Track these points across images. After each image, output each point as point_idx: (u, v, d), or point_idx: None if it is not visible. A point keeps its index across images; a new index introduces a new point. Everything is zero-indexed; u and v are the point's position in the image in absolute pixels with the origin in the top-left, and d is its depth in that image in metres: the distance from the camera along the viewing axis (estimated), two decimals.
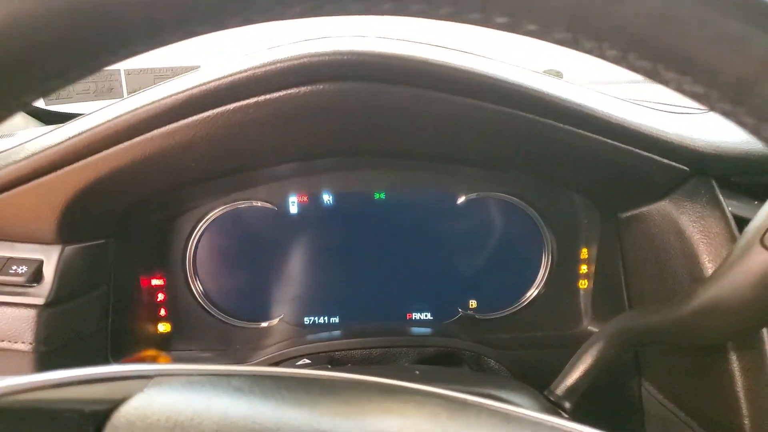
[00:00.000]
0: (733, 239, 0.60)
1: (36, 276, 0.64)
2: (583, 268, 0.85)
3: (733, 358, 0.58)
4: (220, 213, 0.81)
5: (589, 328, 0.84)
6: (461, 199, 0.83)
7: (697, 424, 0.64)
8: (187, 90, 0.55)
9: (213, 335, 0.83)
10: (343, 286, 0.85)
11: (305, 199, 0.82)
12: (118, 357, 0.75)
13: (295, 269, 0.84)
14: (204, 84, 0.55)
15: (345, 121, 0.61)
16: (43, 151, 0.59)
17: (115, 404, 0.28)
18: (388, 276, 0.85)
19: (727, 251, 0.59)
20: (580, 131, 0.61)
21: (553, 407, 0.58)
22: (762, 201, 0.52)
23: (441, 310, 0.86)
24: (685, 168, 0.64)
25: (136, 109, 0.56)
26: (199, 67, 1.24)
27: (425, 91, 0.57)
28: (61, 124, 0.64)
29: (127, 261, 0.75)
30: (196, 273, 0.82)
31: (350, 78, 0.55)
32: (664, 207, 0.66)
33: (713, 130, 0.66)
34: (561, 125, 0.60)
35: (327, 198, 0.82)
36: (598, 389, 0.59)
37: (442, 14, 0.24)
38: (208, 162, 0.63)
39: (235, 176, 0.76)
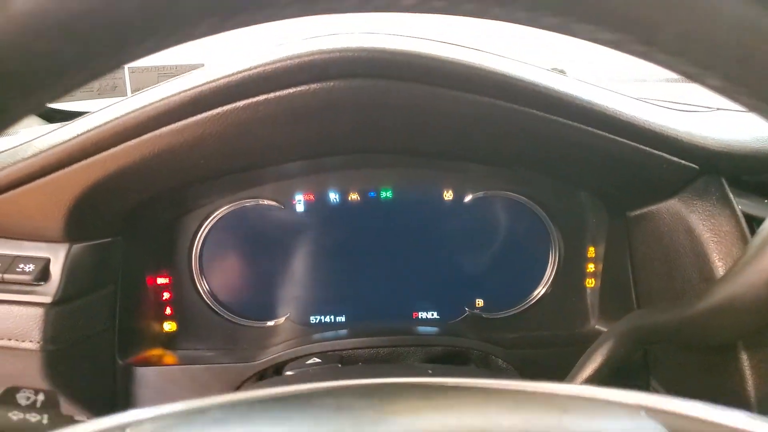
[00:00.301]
0: (744, 238, 0.60)
1: (43, 274, 0.64)
2: (590, 267, 0.85)
3: (744, 357, 0.58)
4: (227, 211, 0.81)
5: (596, 326, 0.84)
6: (468, 198, 0.83)
7: None
8: (197, 87, 0.55)
9: (219, 334, 0.83)
10: (349, 284, 0.84)
11: (312, 197, 0.82)
12: (124, 356, 0.75)
13: (302, 268, 0.83)
14: (214, 81, 0.54)
15: (355, 119, 0.61)
16: (50, 148, 0.59)
17: None
18: (395, 274, 0.85)
19: (738, 250, 0.59)
20: (590, 129, 0.61)
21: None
22: None
23: (448, 309, 0.86)
24: (694, 166, 0.64)
25: (145, 106, 0.56)
26: (203, 65, 1.24)
27: (435, 88, 0.57)
28: (66, 122, 0.63)
29: (134, 259, 0.75)
30: (202, 271, 0.82)
31: (360, 75, 0.55)
32: (673, 205, 0.66)
33: (723, 129, 0.65)
34: (571, 123, 0.60)
35: (333, 196, 0.82)
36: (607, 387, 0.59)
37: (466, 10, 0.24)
38: (216, 159, 0.63)
39: (241, 174, 0.75)
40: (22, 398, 0.42)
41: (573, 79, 0.63)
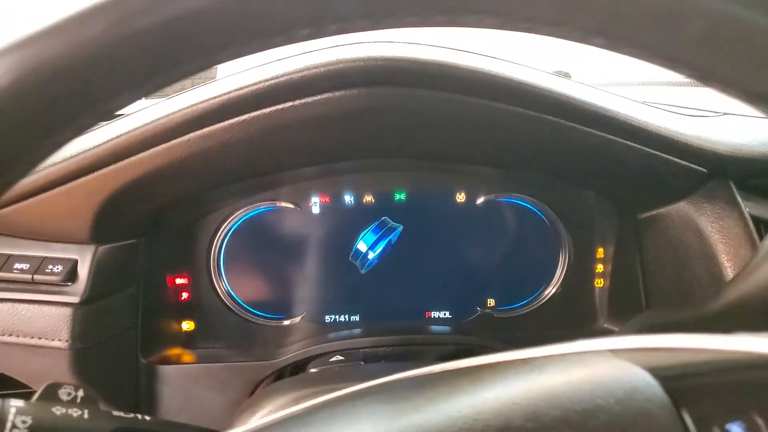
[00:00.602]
0: (752, 240, 0.62)
1: (71, 275, 0.66)
2: (600, 267, 0.87)
3: None
4: (245, 213, 0.83)
5: (605, 326, 0.86)
6: (480, 200, 0.85)
7: None
8: (226, 94, 0.57)
9: (236, 333, 0.85)
10: (363, 284, 0.86)
11: (327, 199, 0.84)
12: (146, 355, 0.76)
13: (317, 268, 0.85)
14: (242, 88, 0.56)
15: (375, 124, 0.63)
16: (81, 153, 0.60)
17: None
18: (408, 275, 0.87)
19: (746, 252, 0.61)
20: (601, 134, 0.62)
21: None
22: None
23: (460, 308, 0.88)
24: (703, 170, 0.66)
25: (175, 112, 0.58)
26: (215, 68, 1.26)
27: (453, 95, 0.59)
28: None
29: (156, 260, 0.77)
30: (220, 272, 0.84)
31: (383, 83, 0.57)
32: (682, 208, 0.68)
33: (730, 133, 0.67)
34: (583, 128, 0.62)
35: (349, 199, 0.84)
36: None
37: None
38: (241, 164, 0.65)
39: (260, 177, 0.77)
40: (63, 394, 0.44)
41: (584, 84, 0.65)
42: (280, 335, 0.86)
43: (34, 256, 0.67)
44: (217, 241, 0.83)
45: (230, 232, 0.83)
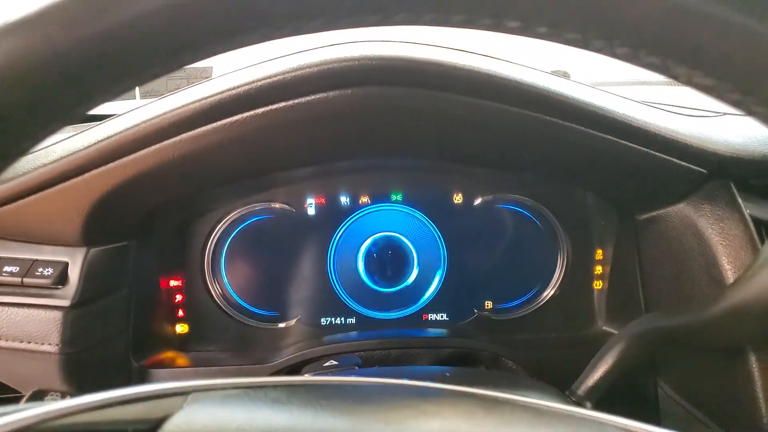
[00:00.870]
0: (752, 242, 0.61)
1: (62, 278, 0.65)
2: (598, 269, 0.86)
3: (752, 360, 0.59)
4: (239, 215, 0.82)
5: (604, 328, 0.85)
6: (478, 201, 0.84)
7: (716, 424, 0.65)
8: (217, 94, 0.56)
9: (231, 336, 0.84)
10: (359, 286, 0.85)
11: (323, 200, 0.83)
12: (139, 359, 0.75)
13: (312, 271, 0.84)
14: (234, 89, 0.55)
15: (370, 124, 0.62)
16: (71, 154, 0.59)
17: (157, 423, 0.28)
18: (404, 277, 0.86)
19: (746, 254, 0.61)
20: (600, 134, 0.62)
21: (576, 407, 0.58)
22: None
23: (457, 311, 0.87)
24: (703, 171, 0.65)
25: (166, 113, 0.57)
26: (211, 67, 1.25)
27: (449, 94, 0.58)
28: (79, 126, 0.64)
29: (148, 262, 0.76)
30: (214, 274, 0.83)
31: (377, 83, 0.56)
32: (682, 209, 0.67)
33: (730, 133, 0.67)
34: (582, 128, 0.61)
35: (344, 200, 0.83)
36: (615, 389, 0.60)
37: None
38: (234, 165, 0.64)
39: (253, 179, 0.76)
40: (50, 401, 0.43)
41: (582, 84, 0.64)
42: (275, 338, 0.85)
43: (23, 259, 0.66)
44: (211, 242, 0.82)
45: (224, 234, 0.82)
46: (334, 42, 0.58)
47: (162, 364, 0.77)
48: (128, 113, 0.61)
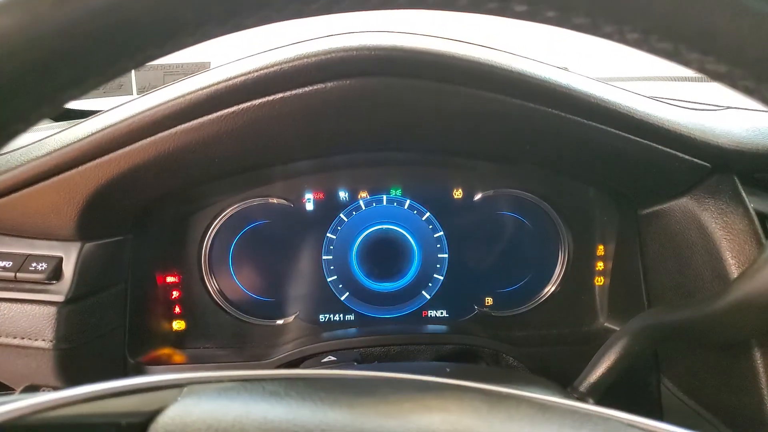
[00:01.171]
0: (756, 236, 0.60)
1: (56, 273, 0.64)
2: (600, 265, 0.85)
3: (757, 355, 0.58)
4: (236, 209, 0.81)
5: (605, 324, 0.84)
6: (478, 196, 0.83)
7: (719, 420, 0.64)
8: (214, 85, 0.55)
9: (228, 333, 0.83)
10: (358, 282, 0.84)
11: (321, 195, 0.82)
12: (135, 355, 0.74)
13: (311, 266, 0.83)
14: (231, 79, 0.54)
15: (369, 116, 0.61)
16: (64, 147, 0.58)
17: (152, 415, 0.27)
18: (404, 273, 0.85)
19: (750, 248, 0.60)
20: (603, 127, 0.61)
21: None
22: None
23: (457, 307, 0.86)
24: (707, 164, 0.64)
25: (161, 104, 0.56)
26: (209, 62, 1.24)
27: (451, 86, 0.57)
28: (73, 121, 0.63)
29: (144, 258, 0.75)
30: (211, 270, 0.82)
31: (377, 73, 0.55)
32: (685, 204, 0.66)
33: (734, 127, 0.66)
34: (584, 120, 0.60)
35: (343, 194, 0.82)
36: (617, 385, 0.59)
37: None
38: (231, 158, 0.63)
39: (251, 172, 0.75)
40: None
41: (584, 76, 0.63)
42: (273, 335, 0.84)
43: (17, 254, 0.65)
44: (208, 238, 0.81)
45: (222, 229, 0.81)
46: (332, 32, 0.57)
47: (158, 361, 0.76)
48: (123, 105, 0.60)
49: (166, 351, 0.79)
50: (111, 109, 0.61)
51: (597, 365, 0.60)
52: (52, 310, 0.63)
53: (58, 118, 1.03)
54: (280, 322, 0.84)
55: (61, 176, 0.60)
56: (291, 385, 0.32)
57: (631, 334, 0.60)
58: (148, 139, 0.57)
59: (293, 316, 0.84)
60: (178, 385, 0.31)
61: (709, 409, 0.66)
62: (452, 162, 0.81)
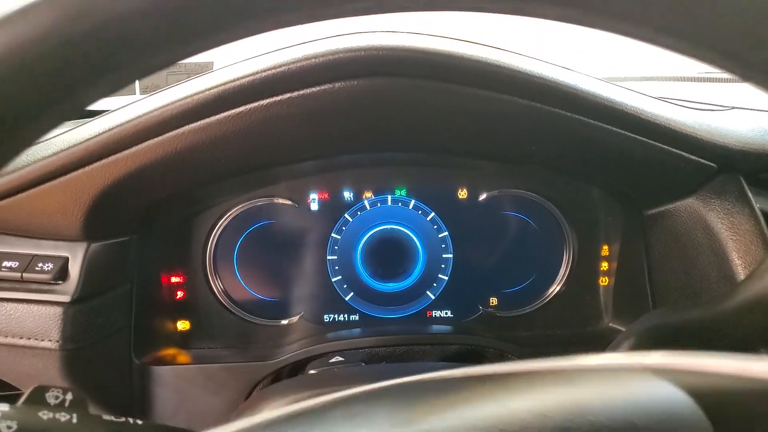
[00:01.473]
0: (763, 236, 0.60)
1: (62, 273, 0.64)
2: (605, 265, 0.85)
3: (765, 357, 0.58)
4: (241, 210, 0.81)
5: (610, 325, 0.84)
6: (483, 196, 0.83)
7: None
8: (220, 85, 0.55)
9: (233, 333, 0.83)
10: (362, 283, 0.84)
11: (326, 196, 0.82)
12: (140, 355, 0.74)
13: (315, 267, 0.83)
14: (237, 79, 0.54)
15: (376, 116, 0.61)
16: (71, 147, 0.58)
17: None
18: (408, 273, 0.85)
19: (757, 248, 0.60)
20: (609, 127, 0.61)
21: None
22: None
23: (462, 307, 0.86)
24: (713, 165, 0.64)
25: (168, 104, 0.56)
26: (212, 62, 1.24)
27: (458, 86, 0.57)
28: (80, 121, 0.63)
29: (149, 258, 0.75)
30: (216, 270, 0.82)
31: (385, 73, 0.55)
32: (691, 204, 0.66)
33: (740, 127, 0.66)
34: (590, 120, 0.60)
35: (348, 195, 0.82)
36: None
37: None
38: (237, 158, 0.63)
39: (256, 173, 0.75)
40: (51, 397, 0.42)
41: (590, 76, 0.63)
42: (278, 335, 0.84)
43: (23, 254, 0.65)
44: (213, 238, 0.81)
45: (226, 229, 0.81)
46: (339, 33, 0.57)
47: (163, 361, 0.76)
48: (129, 105, 0.60)
49: (171, 351, 0.79)
50: (117, 109, 0.61)
51: None
52: (59, 310, 0.63)
53: None
54: (284, 322, 0.84)
55: (67, 176, 0.60)
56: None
57: (636, 335, 0.60)
58: (155, 140, 0.57)
59: (298, 317, 0.84)
60: None
61: None
62: (457, 162, 0.81)
